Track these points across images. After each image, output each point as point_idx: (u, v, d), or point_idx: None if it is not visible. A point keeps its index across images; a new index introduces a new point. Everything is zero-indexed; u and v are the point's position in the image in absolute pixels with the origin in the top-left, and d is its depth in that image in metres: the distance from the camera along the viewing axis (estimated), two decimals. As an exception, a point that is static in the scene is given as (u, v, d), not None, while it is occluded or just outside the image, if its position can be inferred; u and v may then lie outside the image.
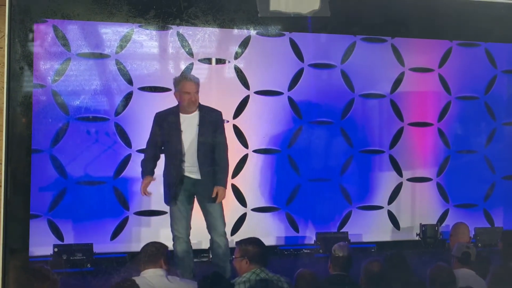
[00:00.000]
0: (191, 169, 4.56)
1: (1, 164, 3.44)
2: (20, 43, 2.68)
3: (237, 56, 5.72)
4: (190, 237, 5.60)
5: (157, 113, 4.63)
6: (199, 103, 4.50)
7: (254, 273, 4.02)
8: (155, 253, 4.00)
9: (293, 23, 5.78)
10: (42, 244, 5.27)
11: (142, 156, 5.53)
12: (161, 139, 4.45)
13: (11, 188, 2.55)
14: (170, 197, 4.48)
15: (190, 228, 4.54)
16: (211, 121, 4.56)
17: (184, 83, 4.50)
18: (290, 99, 5.83)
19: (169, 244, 5.49)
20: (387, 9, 5.75)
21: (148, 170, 4.49)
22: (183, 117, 4.54)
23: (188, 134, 4.52)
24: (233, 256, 4.41)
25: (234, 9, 5.03)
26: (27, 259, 2.65)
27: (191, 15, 5.14)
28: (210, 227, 4.59)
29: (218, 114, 4.63)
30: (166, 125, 4.49)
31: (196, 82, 4.47)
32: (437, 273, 3.79)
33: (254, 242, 4.32)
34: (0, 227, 2.79)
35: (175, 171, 4.50)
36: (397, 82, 6.15)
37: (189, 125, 4.55)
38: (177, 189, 4.53)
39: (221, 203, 4.54)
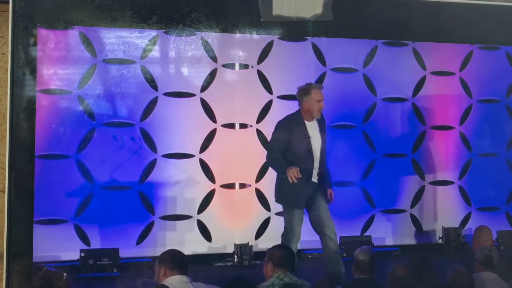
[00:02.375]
0: (314, 174, 4.70)
1: (5, 169, 3.49)
2: (24, 48, 2.71)
3: (260, 61, 5.77)
4: (218, 241, 5.67)
5: (281, 120, 4.80)
6: None
7: (277, 278, 4.04)
8: (177, 260, 4.01)
9: (313, 27, 5.81)
10: (69, 249, 5.31)
11: (168, 160, 5.57)
12: (284, 146, 4.59)
13: (14, 193, 2.57)
14: (299, 202, 4.65)
15: None
16: (323, 127, 4.76)
17: (316, 91, 4.65)
18: (312, 103, 5.85)
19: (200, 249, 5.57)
20: (408, 13, 5.78)
21: (286, 162, 4.61)
22: (308, 124, 4.70)
23: (315, 140, 4.68)
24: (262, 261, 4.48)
25: (237, 14, 5.11)
26: (31, 264, 2.66)
27: (194, 20, 5.20)
28: (323, 227, 4.73)
29: (324, 120, 4.84)
30: (292, 132, 4.65)
31: (322, 90, 4.66)
32: (456, 277, 3.78)
33: (279, 247, 4.37)
34: (4, 232, 2.82)
35: (305, 176, 4.63)
36: (419, 85, 6.16)
37: (313, 131, 4.69)
38: (305, 194, 4.67)
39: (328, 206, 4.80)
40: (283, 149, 4.62)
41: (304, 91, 4.61)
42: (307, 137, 4.62)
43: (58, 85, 5.39)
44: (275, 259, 4.08)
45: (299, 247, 4.85)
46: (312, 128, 4.65)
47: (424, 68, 6.18)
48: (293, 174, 4.56)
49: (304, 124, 4.63)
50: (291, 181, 4.60)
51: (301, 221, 4.66)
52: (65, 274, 3.34)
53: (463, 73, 6.31)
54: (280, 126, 4.73)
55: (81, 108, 5.40)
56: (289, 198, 4.70)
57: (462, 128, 6.34)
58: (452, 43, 6.26)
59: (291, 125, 4.67)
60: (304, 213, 4.75)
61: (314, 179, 4.65)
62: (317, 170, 4.64)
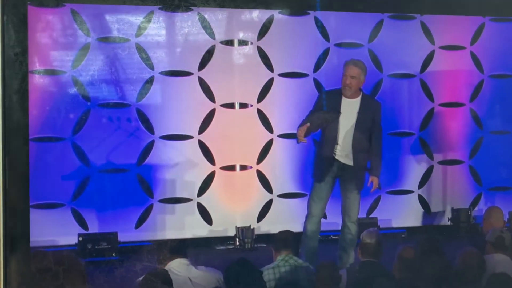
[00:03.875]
0: (343, 153, 4.40)
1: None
2: (14, 27, 2.57)
3: (260, 36, 5.55)
4: (219, 225, 5.51)
5: (323, 91, 4.65)
6: (362, 92, 4.37)
7: (282, 260, 3.94)
8: (179, 243, 3.93)
9: (316, 0, 5.57)
10: (66, 234, 5.22)
11: (165, 142, 5.41)
12: (320, 117, 4.33)
13: (9, 177, 2.47)
14: (320, 175, 4.39)
15: (325, 209, 4.51)
16: (370, 110, 4.42)
17: (348, 66, 4.33)
18: (316, 81, 5.64)
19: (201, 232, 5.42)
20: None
21: (305, 121, 4.30)
22: (344, 101, 4.38)
23: (346, 118, 4.37)
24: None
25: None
26: (28, 249, 2.56)
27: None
28: (345, 212, 4.51)
29: (378, 104, 4.51)
30: (327, 104, 4.38)
31: (359, 68, 4.33)
32: (467, 259, 3.63)
33: (283, 230, 4.24)
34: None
35: (328, 151, 4.38)
36: (427, 61, 5.89)
37: (349, 110, 4.39)
38: (325, 170, 4.40)
39: (359, 193, 4.45)
40: (316, 119, 4.38)
41: (344, 65, 4.38)
42: (337, 112, 4.39)
43: (51, 65, 5.22)
44: (278, 242, 3.96)
45: (301, 229, 4.67)
46: (349, 106, 4.37)
47: (432, 42, 5.91)
48: (299, 131, 4.31)
49: (341, 99, 4.40)
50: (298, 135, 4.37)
51: (320, 198, 4.43)
52: (83, 262, 3.24)
53: (474, 47, 6.03)
54: (319, 97, 4.54)
55: (75, 89, 5.24)
56: (313, 170, 4.55)
57: (473, 105, 6.09)
58: (463, 16, 5.99)
59: (327, 98, 4.46)
60: (329, 191, 4.52)
61: (339, 157, 4.41)
62: (342, 148, 4.36)
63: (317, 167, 4.53)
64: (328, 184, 4.50)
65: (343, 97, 4.44)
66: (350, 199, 4.51)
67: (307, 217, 4.57)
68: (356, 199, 4.52)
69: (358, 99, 4.47)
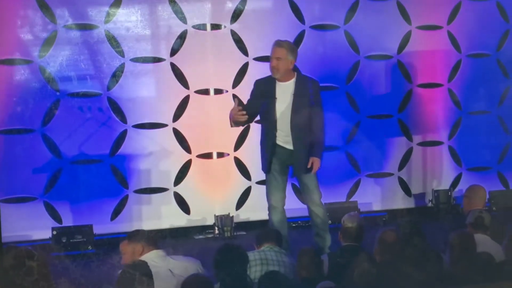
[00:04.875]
0: (285, 139, 4.26)
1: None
2: None
3: (233, 20, 5.40)
4: (197, 214, 5.42)
5: (256, 80, 4.37)
6: (297, 73, 4.23)
7: (268, 247, 3.88)
8: (150, 236, 3.86)
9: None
10: (39, 228, 5.08)
11: (139, 131, 5.27)
12: (257, 105, 4.19)
13: None
14: (266, 166, 4.26)
15: (285, 198, 4.36)
16: (307, 90, 4.22)
17: (273, 47, 4.16)
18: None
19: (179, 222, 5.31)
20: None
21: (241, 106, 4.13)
22: (279, 85, 4.22)
23: (282, 103, 4.20)
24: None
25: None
26: (0, 245, 2.45)
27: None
28: (306, 198, 4.38)
29: (315, 83, 4.31)
30: (262, 92, 4.22)
31: (284, 48, 4.08)
32: (459, 239, 3.61)
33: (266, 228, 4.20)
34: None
35: (269, 139, 4.24)
36: (404, 41, 5.80)
37: (284, 93, 4.21)
38: (270, 158, 4.25)
39: (315, 174, 4.29)
40: (253, 108, 4.27)
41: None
42: (273, 98, 4.27)
43: (17, 54, 5.05)
44: (257, 236, 3.90)
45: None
46: (283, 89, 4.25)
47: (409, 22, 5.83)
48: (233, 112, 4.13)
49: (275, 84, 4.27)
50: (231, 124, 4.25)
51: (277, 188, 4.35)
52: (36, 253, 3.11)
53: (451, 26, 5.96)
54: (254, 85, 4.40)
55: (43, 79, 5.08)
56: (262, 161, 4.41)
57: (451, 85, 6.04)
58: (439, -6, 5.95)
59: (262, 85, 4.33)
60: (285, 180, 4.46)
61: (282, 143, 4.31)
62: (284, 134, 4.29)
63: (264, 157, 4.37)
64: (280, 173, 4.36)
65: (277, 81, 4.27)
66: (307, 184, 4.36)
67: (269, 209, 4.42)
68: (313, 182, 4.36)
69: (293, 81, 4.30)
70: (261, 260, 3.60)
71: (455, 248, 3.47)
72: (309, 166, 4.30)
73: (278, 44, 4.27)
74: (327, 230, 4.45)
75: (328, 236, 4.44)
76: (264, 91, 4.32)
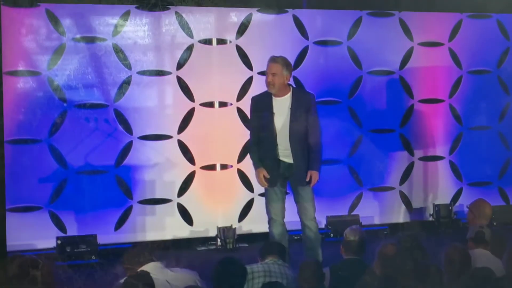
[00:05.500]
0: (285, 153, 4.32)
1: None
2: None
3: (238, 35, 5.50)
4: (200, 225, 5.46)
5: (253, 97, 4.46)
6: (292, 87, 4.31)
7: (271, 260, 3.92)
8: (150, 248, 3.93)
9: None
10: (44, 237, 5.12)
11: (144, 142, 5.35)
12: (258, 123, 4.30)
13: None
14: (268, 180, 4.29)
15: (285, 210, 4.41)
16: (303, 103, 4.29)
17: (268, 63, 4.23)
18: (295, 79, 5.60)
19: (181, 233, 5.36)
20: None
21: (258, 161, 4.32)
22: (275, 100, 4.29)
23: (280, 117, 4.27)
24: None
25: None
26: (5, 253, 2.51)
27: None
28: (301, 211, 4.41)
29: (310, 96, 4.39)
30: (260, 109, 4.30)
31: (279, 64, 4.17)
32: (453, 253, 3.62)
33: (269, 241, 4.23)
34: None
35: (270, 154, 4.29)
36: (406, 57, 5.89)
37: (281, 108, 4.28)
38: (272, 172, 4.30)
39: (311, 188, 4.36)
40: (258, 126, 4.38)
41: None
42: (271, 113, 4.35)
43: (26, 66, 5.13)
44: (261, 249, 3.94)
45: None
46: (280, 104, 4.30)
47: (411, 39, 5.93)
48: (260, 178, 4.35)
49: (271, 100, 4.35)
50: (261, 185, 4.43)
51: (276, 201, 4.40)
52: (41, 262, 3.16)
53: (453, 43, 6.06)
54: (251, 102, 4.47)
55: (51, 90, 5.16)
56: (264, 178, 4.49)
57: (452, 101, 6.11)
58: (440, 12, 6.03)
59: (259, 101, 4.40)
60: (284, 192, 4.52)
61: (282, 157, 4.40)
62: (283, 148, 4.36)
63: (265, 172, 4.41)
64: (279, 187, 4.42)
65: (273, 97, 4.35)
66: (303, 197, 4.40)
67: (269, 222, 4.47)
68: (309, 196, 4.41)
69: (289, 95, 4.37)
70: (264, 272, 3.64)
71: (448, 263, 3.50)
72: (307, 179, 4.37)
73: (273, 60, 4.33)
74: (319, 246, 4.47)
75: (319, 251, 4.46)
76: (262, 107, 4.39)
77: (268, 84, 4.34)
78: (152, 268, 3.48)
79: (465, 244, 3.99)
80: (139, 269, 3.50)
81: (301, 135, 4.36)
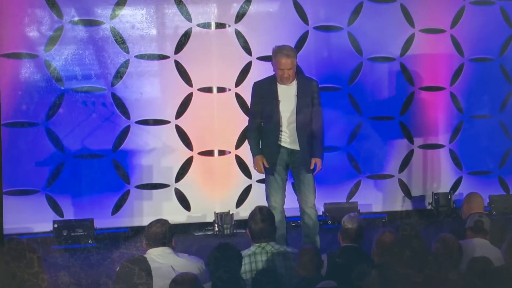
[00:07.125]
0: (289, 140, 4.32)
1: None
2: None
3: (237, 19, 5.44)
4: (197, 210, 5.45)
5: (255, 83, 4.42)
6: (296, 74, 4.27)
7: (259, 247, 3.90)
8: (164, 232, 3.83)
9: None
10: (41, 221, 5.12)
11: (142, 127, 5.32)
12: (260, 109, 4.28)
13: None
14: (270, 167, 4.30)
15: (285, 198, 4.42)
16: (308, 91, 4.29)
17: (282, 59, 4.19)
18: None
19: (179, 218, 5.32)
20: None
21: (257, 148, 4.32)
22: (280, 87, 4.28)
23: (286, 104, 4.27)
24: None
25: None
26: (2, 236, 2.48)
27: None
28: (301, 198, 4.41)
29: (315, 83, 4.37)
30: (263, 95, 4.28)
31: (292, 57, 4.17)
32: (443, 244, 3.60)
33: (256, 219, 4.16)
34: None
35: (272, 141, 4.29)
36: (407, 44, 5.82)
37: (287, 95, 4.27)
38: (274, 159, 4.30)
39: (313, 176, 4.36)
40: (260, 113, 4.35)
41: (273, 53, 4.28)
42: (276, 100, 4.33)
43: (23, 48, 5.09)
44: (252, 231, 3.91)
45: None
46: (286, 91, 4.28)
47: (412, 25, 5.85)
48: (258, 165, 4.36)
49: (276, 87, 4.32)
50: (259, 172, 4.43)
51: (277, 189, 4.40)
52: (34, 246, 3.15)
53: (455, 30, 5.98)
54: (253, 88, 4.45)
55: (48, 73, 5.12)
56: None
57: (453, 88, 6.05)
58: (443, -2, 5.97)
59: (263, 87, 4.38)
60: (284, 180, 4.51)
61: (286, 144, 4.38)
62: (288, 135, 4.34)
63: (267, 159, 4.41)
64: (281, 174, 4.41)
65: (278, 84, 4.34)
66: (304, 184, 4.40)
67: (269, 208, 4.47)
68: (311, 183, 4.41)
69: (294, 82, 4.36)
70: (251, 271, 3.63)
71: (439, 253, 3.48)
72: (312, 167, 4.36)
73: (286, 55, 4.29)
74: (317, 233, 4.47)
75: (317, 238, 4.46)
76: (265, 93, 4.36)
77: (284, 79, 4.32)
78: (159, 252, 3.49)
79: (463, 231, 3.97)
80: (147, 252, 3.49)
81: (307, 122, 4.36)
